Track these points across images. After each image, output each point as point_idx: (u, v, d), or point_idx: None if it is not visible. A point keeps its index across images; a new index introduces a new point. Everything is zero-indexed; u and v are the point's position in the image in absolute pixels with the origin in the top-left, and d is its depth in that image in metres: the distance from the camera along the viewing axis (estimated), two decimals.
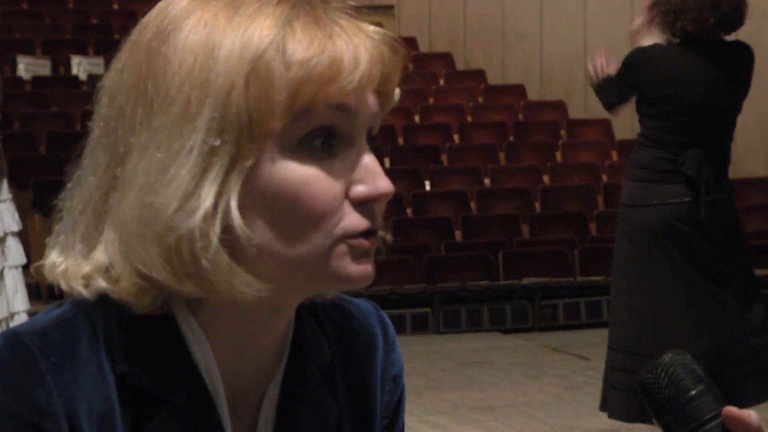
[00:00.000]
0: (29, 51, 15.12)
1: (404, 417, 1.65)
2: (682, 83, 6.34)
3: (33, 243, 10.10)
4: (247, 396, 1.51)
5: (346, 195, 1.40)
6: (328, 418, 1.55)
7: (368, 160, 1.41)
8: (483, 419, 7.23)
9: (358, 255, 1.41)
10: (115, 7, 17.62)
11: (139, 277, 1.37)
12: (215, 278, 1.36)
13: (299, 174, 1.38)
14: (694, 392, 1.36)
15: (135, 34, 1.44)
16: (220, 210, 1.36)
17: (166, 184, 1.36)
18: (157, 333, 1.44)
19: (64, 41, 15.89)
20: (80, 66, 15.08)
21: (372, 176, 1.40)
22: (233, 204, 1.36)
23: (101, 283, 1.39)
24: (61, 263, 1.43)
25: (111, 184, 1.41)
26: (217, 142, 1.35)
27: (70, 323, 1.42)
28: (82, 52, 15.49)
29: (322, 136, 1.38)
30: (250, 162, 1.37)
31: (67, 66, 15.16)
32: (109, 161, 1.42)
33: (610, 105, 6.49)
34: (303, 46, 1.37)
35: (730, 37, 6.42)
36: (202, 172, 1.36)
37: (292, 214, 1.39)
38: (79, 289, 1.41)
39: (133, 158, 1.39)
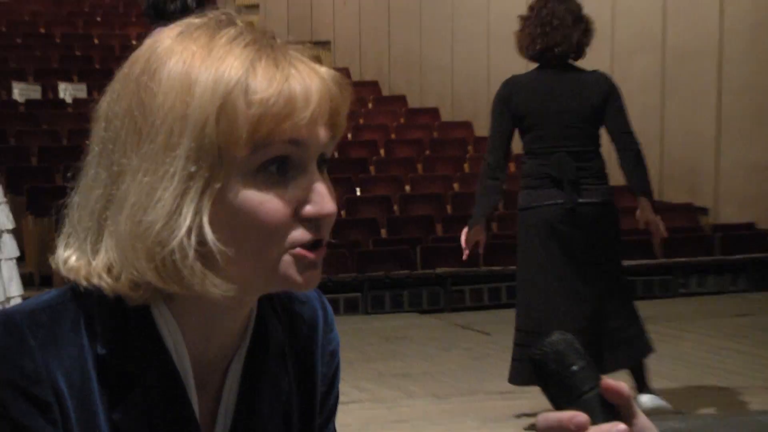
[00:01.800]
0: (23, 78, 14.98)
1: (339, 384, 1.65)
2: (539, 98, 6.37)
3: (26, 239, 10.06)
4: (213, 370, 1.50)
5: (297, 213, 1.40)
6: (281, 388, 1.55)
7: (318, 184, 1.41)
8: (403, 384, 7.22)
9: (304, 264, 1.41)
10: (96, 41, 17.34)
11: (133, 277, 1.38)
12: (191, 281, 1.37)
13: (256, 196, 1.38)
14: (575, 367, 1.33)
15: (127, 67, 1.43)
16: (195, 226, 1.36)
17: (153, 205, 1.36)
18: (133, 321, 1.43)
19: (52, 70, 15.73)
20: (66, 91, 14.98)
21: (320, 198, 1.40)
22: (205, 220, 1.36)
23: (105, 279, 1.39)
24: (71, 259, 1.42)
25: (109, 199, 1.40)
26: (194, 168, 1.36)
27: (56, 308, 1.42)
28: (68, 79, 15.34)
29: (277, 163, 1.38)
30: (219, 185, 1.37)
31: (55, 91, 15.02)
32: (107, 178, 1.41)
33: (492, 163, 6.49)
34: (263, 86, 1.36)
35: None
36: (182, 194, 1.36)
37: (250, 229, 1.39)
38: (82, 282, 1.41)
39: (126, 179, 1.38)
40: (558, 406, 1.33)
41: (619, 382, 1.31)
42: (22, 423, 1.37)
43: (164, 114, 1.37)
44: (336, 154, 14.69)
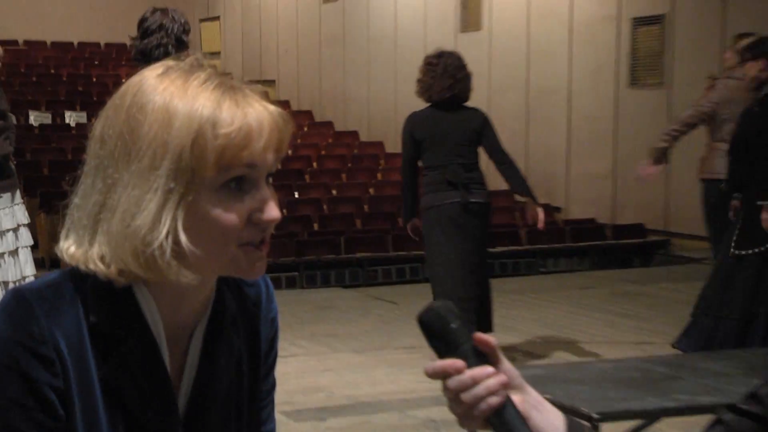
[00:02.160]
0: (37, 108, 14.90)
1: (278, 343, 1.64)
2: (433, 128, 6.41)
3: (39, 232, 9.87)
4: (182, 334, 1.49)
5: (250, 219, 1.39)
6: (234, 346, 1.55)
7: (267, 196, 1.41)
8: (331, 342, 7.25)
9: (253, 258, 1.41)
10: (94, 79, 17.06)
11: (120, 266, 1.37)
12: (168, 273, 1.36)
13: (219, 207, 1.37)
14: (453, 326, 1.34)
15: (118, 98, 1.42)
16: (171, 230, 1.36)
17: (141, 213, 1.35)
18: (119, 298, 1.42)
19: (60, 101, 15.63)
20: (71, 117, 14.95)
21: (268, 208, 1.40)
22: (180, 226, 1.36)
23: (98, 266, 1.38)
24: (71, 249, 1.41)
25: (103, 204, 1.39)
26: (173, 185, 1.35)
27: (58, 286, 1.41)
28: (72, 108, 15.24)
29: (236, 181, 1.38)
30: (191, 198, 1.36)
31: (62, 117, 14.96)
32: (101, 187, 1.39)
33: (407, 181, 6.65)
34: (227, 122, 1.35)
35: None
36: (163, 205, 1.35)
37: (214, 232, 1.38)
38: (80, 266, 1.40)
39: (118, 190, 1.37)
40: (441, 356, 1.33)
41: (487, 335, 1.32)
42: (31, 375, 1.35)
43: (149, 140, 1.36)
44: (279, 166, 14.64)
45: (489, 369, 1.33)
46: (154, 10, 4.97)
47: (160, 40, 4.90)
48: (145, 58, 4.82)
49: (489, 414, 1.33)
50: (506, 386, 1.35)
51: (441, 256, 6.39)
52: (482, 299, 6.53)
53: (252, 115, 1.38)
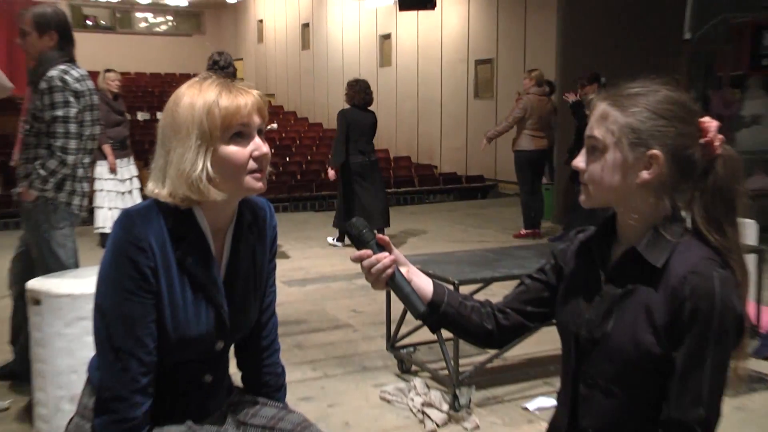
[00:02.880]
0: (141, 110, 13.67)
1: (277, 243, 1.51)
2: (355, 118, 6.22)
3: (143, 181, 9.54)
4: (220, 233, 1.38)
5: (251, 155, 1.31)
6: (250, 242, 1.43)
7: (259, 142, 1.31)
8: (308, 242, 6.85)
9: (256, 179, 1.32)
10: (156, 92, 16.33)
11: (181, 195, 1.30)
12: (206, 192, 1.28)
13: (229, 150, 1.29)
14: (365, 230, 1.28)
15: (170, 102, 1.33)
16: (204, 168, 1.28)
17: (185, 162, 1.28)
18: (182, 214, 1.33)
19: (154, 106, 14.04)
20: (159, 115, 13.83)
21: (260, 147, 1.31)
22: (208, 164, 1.28)
23: (168, 198, 1.30)
24: (153, 189, 1.32)
25: (166, 160, 1.31)
26: (199, 143, 1.27)
27: (148, 208, 1.32)
28: (161, 110, 13.21)
29: (237, 135, 1.29)
30: (212, 148, 1.28)
31: (155, 115, 13.49)
32: (163, 153, 1.32)
33: (336, 158, 6.20)
34: (225, 103, 1.28)
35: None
36: (196, 155, 1.27)
37: (229, 166, 1.30)
38: (159, 198, 1.32)
39: (171, 152, 1.29)
40: (358, 249, 1.29)
41: (383, 235, 1.30)
42: (134, 259, 1.27)
43: (183, 120, 1.28)
44: (267, 127, 12.67)
45: (385, 254, 1.28)
46: (218, 53, 5.25)
47: (224, 72, 5.14)
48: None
49: (387, 279, 1.27)
50: (396, 263, 1.29)
51: (356, 195, 6.13)
52: (384, 212, 6.32)
53: (239, 96, 1.29)
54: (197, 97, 1.28)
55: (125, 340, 1.26)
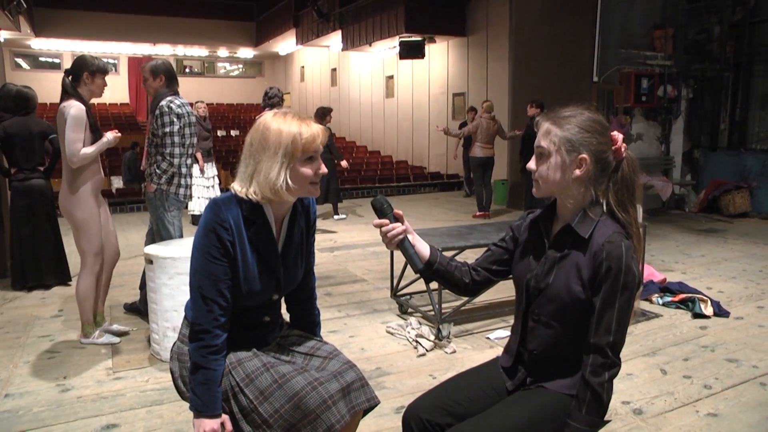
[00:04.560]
0: (221, 129, 13.08)
1: (316, 224, 1.41)
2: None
3: (223, 183, 9.24)
4: (280, 220, 1.32)
5: (315, 173, 1.26)
6: (300, 225, 1.36)
7: (320, 164, 1.26)
8: (336, 221, 6.54)
9: (315, 188, 1.27)
10: (241, 117, 15.28)
11: (261, 195, 1.24)
12: (284, 197, 1.24)
13: (304, 169, 1.24)
14: (386, 205, 1.23)
15: (257, 125, 1.25)
16: (285, 179, 1.22)
17: (272, 173, 1.22)
18: (255, 206, 1.26)
19: (230, 126, 13.85)
20: (235, 133, 13.03)
21: (321, 168, 1.26)
22: (288, 177, 1.23)
23: (250, 195, 1.24)
24: (238, 188, 1.25)
25: (254, 170, 1.24)
26: (284, 161, 1.22)
27: (230, 198, 1.25)
28: (236, 129, 13.39)
29: (310, 157, 1.25)
30: (291, 165, 1.23)
31: (230, 132, 13.16)
32: (252, 163, 1.25)
33: (339, 156, 5.37)
34: (305, 134, 1.22)
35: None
36: (280, 169, 1.22)
37: (301, 179, 1.24)
38: (238, 194, 1.25)
39: (260, 164, 1.23)
40: (380, 218, 1.24)
41: (399, 210, 1.25)
42: (219, 234, 1.22)
43: (272, 142, 1.23)
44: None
45: (399, 224, 1.26)
46: (269, 88, 5.06)
47: (271, 100, 4.97)
48: (267, 107, 4.94)
49: (398, 242, 1.24)
50: (406, 232, 1.26)
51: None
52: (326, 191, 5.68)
53: (314, 129, 1.24)
54: (284, 125, 1.23)
55: (210, 290, 1.24)
